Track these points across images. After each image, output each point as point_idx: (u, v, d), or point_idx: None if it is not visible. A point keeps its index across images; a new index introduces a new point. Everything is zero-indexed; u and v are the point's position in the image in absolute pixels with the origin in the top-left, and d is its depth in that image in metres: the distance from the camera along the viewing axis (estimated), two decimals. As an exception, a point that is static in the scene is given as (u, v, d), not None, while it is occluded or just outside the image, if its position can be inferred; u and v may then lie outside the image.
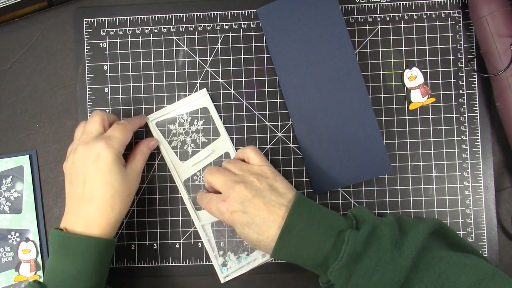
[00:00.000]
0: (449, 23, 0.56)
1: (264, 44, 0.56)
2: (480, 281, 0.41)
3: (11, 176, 0.57)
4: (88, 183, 0.47)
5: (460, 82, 0.55)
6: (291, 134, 0.56)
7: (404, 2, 0.56)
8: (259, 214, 0.46)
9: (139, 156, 0.52)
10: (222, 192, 0.48)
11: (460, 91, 0.55)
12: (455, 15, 0.56)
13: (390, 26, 0.56)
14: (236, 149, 0.56)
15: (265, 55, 0.56)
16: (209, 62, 0.56)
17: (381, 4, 0.56)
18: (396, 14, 0.56)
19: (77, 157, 0.48)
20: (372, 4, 0.56)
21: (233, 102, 0.56)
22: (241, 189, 0.47)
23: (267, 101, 0.56)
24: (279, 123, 0.56)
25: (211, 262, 0.55)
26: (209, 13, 0.56)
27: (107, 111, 0.57)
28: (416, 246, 0.43)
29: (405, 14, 0.56)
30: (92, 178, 0.47)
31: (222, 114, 0.56)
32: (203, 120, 0.56)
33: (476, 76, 0.55)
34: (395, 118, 0.55)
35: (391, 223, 0.45)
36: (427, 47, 0.56)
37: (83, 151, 0.48)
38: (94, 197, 0.47)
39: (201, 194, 0.52)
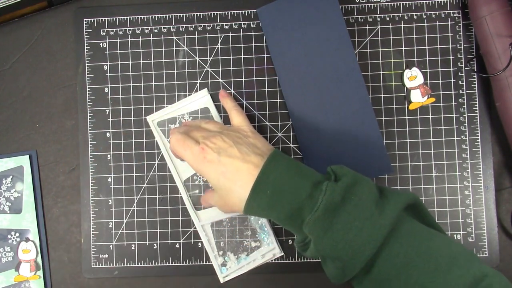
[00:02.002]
0: (449, 23, 0.56)
1: (264, 44, 0.56)
2: (460, 255, 0.41)
3: (11, 176, 0.57)
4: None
5: (460, 82, 0.55)
6: (291, 134, 0.56)
7: (404, 2, 0.56)
8: (233, 162, 0.44)
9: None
10: (200, 142, 0.47)
11: (460, 91, 0.55)
12: (455, 15, 0.56)
13: (390, 26, 0.56)
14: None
15: (265, 55, 0.56)
16: (209, 62, 0.56)
17: (381, 4, 0.56)
18: (396, 14, 0.56)
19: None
20: (372, 4, 0.56)
21: (233, 102, 0.56)
22: (218, 139, 0.46)
23: (267, 101, 0.56)
24: (279, 123, 0.56)
25: (211, 262, 0.55)
26: (209, 13, 0.56)
27: (107, 111, 0.57)
28: (397, 208, 0.42)
29: (405, 14, 0.56)
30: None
31: (222, 114, 0.56)
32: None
33: (476, 76, 0.55)
34: (395, 118, 0.56)
35: (372, 183, 0.44)
36: (427, 47, 0.56)
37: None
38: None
39: (178, 137, 0.49)
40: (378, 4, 0.56)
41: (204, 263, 0.56)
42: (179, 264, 0.56)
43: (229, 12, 0.56)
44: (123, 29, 0.57)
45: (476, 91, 0.55)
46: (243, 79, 0.56)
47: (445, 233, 0.47)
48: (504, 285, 0.39)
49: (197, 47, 0.57)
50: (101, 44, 0.57)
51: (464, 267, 0.40)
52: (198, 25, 0.57)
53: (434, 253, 0.41)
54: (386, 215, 0.41)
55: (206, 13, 0.57)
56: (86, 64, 0.57)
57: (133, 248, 0.56)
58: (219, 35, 0.57)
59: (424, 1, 0.56)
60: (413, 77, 0.55)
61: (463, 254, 0.41)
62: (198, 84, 0.56)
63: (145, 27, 0.57)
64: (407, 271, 0.40)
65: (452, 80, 0.55)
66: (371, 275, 0.42)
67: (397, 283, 0.41)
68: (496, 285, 0.38)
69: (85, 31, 0.57)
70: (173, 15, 0.57)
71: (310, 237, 0.43)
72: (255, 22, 0.56)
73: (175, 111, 0.56)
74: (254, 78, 0.56)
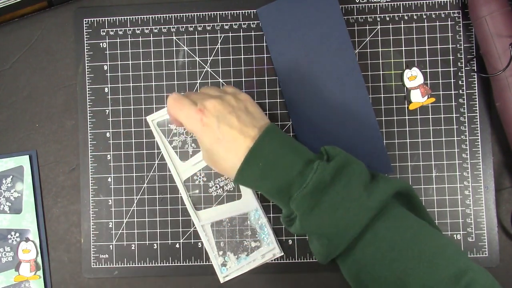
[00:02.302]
0: (449, 23, 0.56)
1: (264, 44, 0.56)
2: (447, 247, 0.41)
3: (11, 176, 0.57)
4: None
5: (460, 82, 0.55)
6: (291, 134, 0.56)
7: (404, 2, 0.56)
8: (231, 132, 0.44)
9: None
10: (198, 104, 0.46)
11: (460, 91, 0.55)
12: (455, 15, 0.56)
13: (390, 26, 0.56)
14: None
15: (265, 55, 0.56)
16: (209, 62, 0.56)
17: (381, 4, 0.56)
18: (396, 14, 0.56)
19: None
20: (372, 4, 0.56)
21: (233, 102, 0.56)
22: (218, 103, 0.45)
23: (267, 101, 0.56)
24: (279, 123, 0.56)
25: (211, 262, 0.55)
26: (209, 13, 0.56)
27: (107, 111, 0.57)
28: (386, 192, 0.42)
29: (405, 14, 0.56)
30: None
31: (222, 114, 0.56)
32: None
33: (476, 76, 0.55)
34: (395, 118, 0.56)
35: (363, 165, 0.44)
36: (427, 47, 0.56)
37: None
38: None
39: (175, 96, 0.47)
40: (378, 4, 0.56)
41: (204, 263, 0.56)
42: (179, 264, 0.56)
43: (229, 12, 0.56)
44: (123, 29, 0.57)
45: (476, 91, 0.55)
46: (243, 79, 0.56)
47: (438, 229, 0.47)
48: (490, 282, 0.39)
49: (197, 47, 0.57)
50: (101, 44, 0.57)
51: (450, 259, 0.40)
52: (198, 25, 0.57)
53: (420, 241, 0.41)
54: (374, 198, 0.42)
55: (206, 13, 0.57)
56: (86, 64, 0.57)
57: (133, 248, 0.56)
58: (219, 35, 0.57)
59: (424, 1, 0.56)
60: (413, 77, 0.55)
61: (451, 248, 0.41)
62: (198, 84, 0.56)
63: (145, 27, 0.57)
64: (390, 255, 0.41)
65: (452, 80, 0.55)
66: (355, 256, 0.43)
67: (380, 267, 0.41)
68: (481, 280, 0.38)
69: (85, 31, 0.57)
70: (173, 15, 0.57)
71: (296, 213, 0.43)
72: (255, 22, 0.56)
73: (175, 111, 0.56)
74: (254, 78, 0.56)
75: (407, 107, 0.55)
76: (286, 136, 0.46)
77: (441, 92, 0.55)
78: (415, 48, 0.56)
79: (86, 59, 0.57)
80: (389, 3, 0.56)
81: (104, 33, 0.57)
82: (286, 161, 0.43)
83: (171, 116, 0.49)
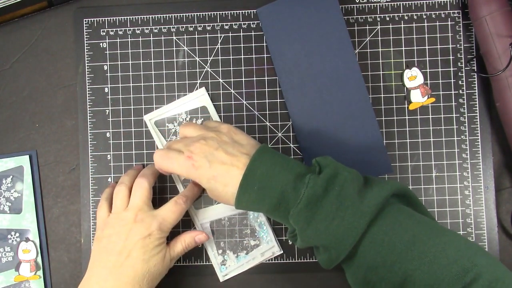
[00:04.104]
0: (449, 23, 0.56)
1: (264, 44, 0.56)
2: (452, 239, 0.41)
3: (11, 176, 0.57)
4: (129, 257, 0.48)
5: (460, 82, 0.55)
6: (291, 134, 0.56)
7: (404, 2, 0.56)
8: (223, 167, 0.45)
9: (179, 244, 0.52)
10: (184, 151, 0.47)
11: (460, 91, 0.55)
12: (455, 15, 0.56)
13: (390, 26, 0.56)
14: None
15: (265, 55, 0.56)
16: (209, 62, 0.57)
17: (381, 4, 0.56)
18: (396, 14, 0.56)
19: (126, 229, 0.48)
20: (372, 4, 0.56)
21: (233, 102, 0.56)
22: (202, 144, 0.46)
23: (267, 101, 0.56)
24: (279, 123, 0.56)
25: (211, 262, 0.55)
26: (209, 13, 0.56)
27: (107, 111, 0.57)
28: (380, 196, 0.42)
29: (405, 14, 0.56)
30: (135, 253, 0.48)
31: (222, 114, 0.56)
32: (202, 119, 0.56)
33: (476, 76, 0.55)
34: (395, 118, 0.56)
35: (355, 172, 0.44)
36: (427, 47, 0.56)
37: (135, 227, 0.48)
38: (128, 271, 0.47)
39: (161, 152, 0.48)
40: (378, 4, 0.56)
41: (204, 263, 0.56)
42: (179, 264, 0.56)
43: (229, 12, 0.56)
44: (123, 29, 0.57)
45: (476, 91, 0.55)
46: (243, 79, 0.56)
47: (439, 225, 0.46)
48: (497, 275, 0.38)
49: (197, 47, 0.57)
50: (101, 44, 0.57)
51: (452, 257, 0.39)
52: (198, 25, 0.57)
53: (420, 242, 0.41)
54: (368, 203, 0.42)
55: (206, 13, 0.57)
56: (86, 64, 0.57)
57: (133, 248, 0.56)
58: (219, 35, 0.57)
59: (424, 1, 0.56)
60: (413, 77, 0.55)
61: (455, 244, 0.41)
62: (198, 84, 0.56)
63: (145, 27, 0.57)
64: (391, 258, 0.41)
65: (452, 80, 0.55)
66: (357, 261, 0.43)
67: (383, 270, 0.41)
68: (486, 275, 0.38)
69: (85, 31, 0.57)
70: (173, 15, 0.57)
71: (295, 228, 0.44)
72: (255, 22, 0.56)
73: (172, 110, 0.56)
74: (254, 78, 0.56)
75: (407, 107, 0.55)
76: (276, 154, 0.46)
77: (441, 92, 0.55)
78: (415, 48, 0.56)
79: (86, 59, 0.57)
80: (389, 3, 0.56)
81: (104, 33, 0.57)
82: (278, 179, 0.44)
83: (162, 170, 0.50)
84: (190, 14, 0.57)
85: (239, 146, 0.47)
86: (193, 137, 0.48)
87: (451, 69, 0.55)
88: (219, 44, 0.56)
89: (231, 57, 0.56)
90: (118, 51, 0.57)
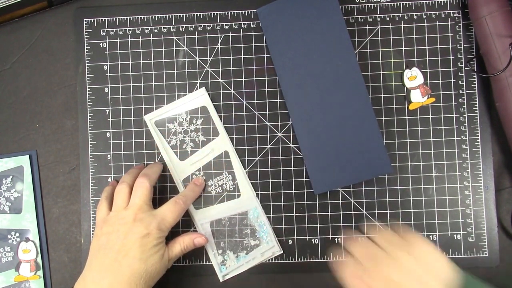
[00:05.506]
0: (449, 23, 0.56)
1: (264, 44, 0.56)
2: None
3: (11, 176, 0.57)
4: (127, 256, 0.47)
5: (460, 82, 0.55)
6: (291, 134, 0.56)
7: (404, 2, 0.56)
8: None
9: (178, 245, 0.52)
10: (364, 264, 0.43)
11: (460, 91, 0.55)
12: (455, 15, 0.56)
13: (390, 26, 0.56)
14: (236, 149, 0.56)
15: (265, 55, 0.56)
16: (209, 62, 0.57)
17: (381, 4, 0.56)
18: (396, 14, 0.56)
19: (125, 228, 0.48)
20: (372, 4, 0.56)
21: (233, 102, 0.56)
22: (385, 267, 0.42)
23: (267, 101, 0.56)
24: (279, 123, 0.56)
25: (211, 262, 0.55)
26: (209, 13, 0.57)
27: (107, 111, 0.57)
28: None
29: (405, 14, 0.56)
30: (133, 251, 0.47)
31: (222, 114, 0.56)
32: (202, 119, 0.56)
33: (476, 76, 0.55)
34: (395, 118, 0.56)
35: None
36: (427, 47, 0.56)
37: (134, 226, 0.48)
38: (126, 270, 0.47)
39: (342, 263, 0.45)
40: (378, 4, 0.56)
41: (204, 263, 0.56)
42: (179, 264, 0.56)
43: (229, 12, 0.56)
44: (123, 29, 0.57)
45: (476, 91, 0.55)
46: (243, 79, 0.56)
47: None
48: None
49: (197, 47, 0.57)
50: (101, 44, 0.57)
51: None
52: (198, 25, 0.57)
53: None
54: None
55: (206, 13, 0.57)
56: (86, 64, 0.57)
57: (133, 248, 0.56)
58: (219, 35, 0.57)
59: (424, 1, 0.56)
60: (413, 77, 0.55)
61: None
62: (198, 84, 0.56)
63: (145, 27, 0.57)
64: None
65: (452, 80, 0.55)
66: None
67: None
68: None
69: (85, 31, 0.57)
70: (173, 15, 0.57)
71: None
72: (255, 22, 0.56)
73: (172, 110, 0.56)
74: (254, 78, 0.56)
75: (407, 107, 0.55)
76: None
77: (441, 92, 0.55)
78: (415, 48, 0.56)
79: (86, 59, 0.57)
80: (389, 3, 0.56)
81: (104, 33, 0.57)
82: None
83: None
84: (190, 14, 0.57)
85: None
86: (379, 251, 0.44)
87: (451, 69, 0.55)
88: (219, 44, 0.56)
89: (231, 57, 0.56)
90: (118, 51, 0.57)
